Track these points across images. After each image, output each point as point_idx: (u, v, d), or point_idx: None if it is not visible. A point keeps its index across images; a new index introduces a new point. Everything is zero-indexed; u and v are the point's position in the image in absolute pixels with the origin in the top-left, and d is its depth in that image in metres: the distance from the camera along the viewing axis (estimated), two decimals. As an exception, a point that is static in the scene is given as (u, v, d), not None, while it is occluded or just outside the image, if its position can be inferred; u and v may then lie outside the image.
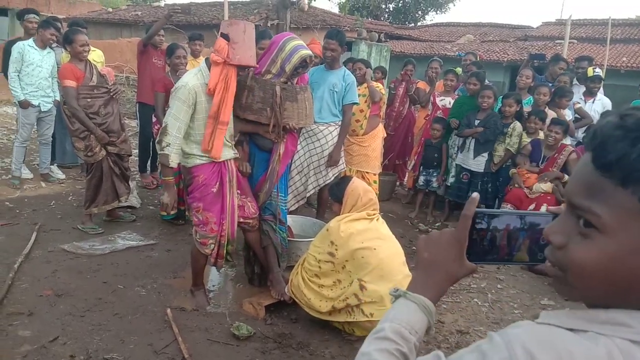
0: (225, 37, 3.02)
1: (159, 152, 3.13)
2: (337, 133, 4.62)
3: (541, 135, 5.21)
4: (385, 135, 5.58)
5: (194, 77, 3.10)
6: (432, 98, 6.30)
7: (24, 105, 5.55)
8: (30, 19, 5.85)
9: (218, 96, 3.05)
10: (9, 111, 9.97)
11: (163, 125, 3.10)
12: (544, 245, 0.81)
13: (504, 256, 0.83)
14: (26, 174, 5.97)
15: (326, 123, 4.57)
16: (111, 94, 4.56)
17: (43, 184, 5.87)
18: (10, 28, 16.71)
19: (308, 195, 4.78)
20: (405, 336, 0.83)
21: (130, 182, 4.99)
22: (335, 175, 4.73)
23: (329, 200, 4.98)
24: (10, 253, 3.92)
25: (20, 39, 5.90)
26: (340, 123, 4.63)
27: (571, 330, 0.63)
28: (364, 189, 3.27)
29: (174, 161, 3.09)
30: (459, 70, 6.60)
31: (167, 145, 3.05)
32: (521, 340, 0.62)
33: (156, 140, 3.19)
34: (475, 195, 0.83)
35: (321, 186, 4.71)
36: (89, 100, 4.42)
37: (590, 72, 6.10)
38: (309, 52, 3.27)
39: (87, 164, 4.70)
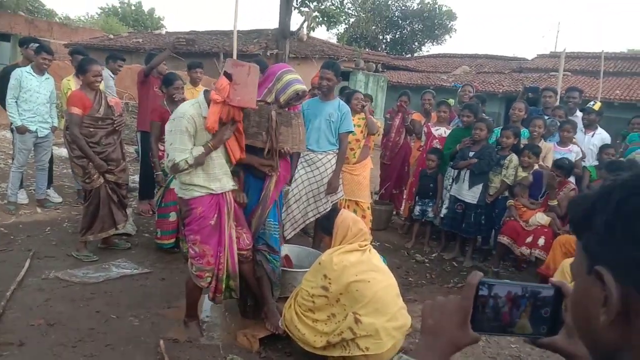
0: (228, 76, 3.02)
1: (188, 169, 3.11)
2: (335, 161, 4.72)
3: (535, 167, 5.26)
4: (372, 166, 5.67)
5: (191, 107, 3.12)
6: (426, 128, 6.36)
7: (21, 130, 5.57)
8: (33, 47, 5.92)
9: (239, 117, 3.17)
10: (7, 135, 9.98)
11: (170, 164, 3.06)
12: (546, 317, 0.84)
13: (506, 324, 0.84)
14: (22, 199, 5.95)
15: (324, 152, 4.68)
16: (114, 125, 4.60)
17: (39, 210, 5.85)
18: (12, 53, 16.88)
19: (308, 222, 4.81)
20: None
21: (127, 209, 4.99)
22: (333, 203, 4.79)
23: None
24: (3, 280, 3.88)
25: (18, 65, 5.97)
26: (337, 151, 4.74)
27: None
28: (353, 220, 3.28)
29: (199, 150, 3.07)
30: (451, 101, 6.69)
31: (187, 163, 3.03)
32: None
33: (170, 175, 3.17)
34: (480, 272, 0.85)
35: (321, 213, 4.73)
36: (91, 130, 4.46)
37: (597, 106, 6.19)
38: (303, 87, 3.35)
39: (84, 191, 4.70)
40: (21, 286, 3.86)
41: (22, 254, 4.50)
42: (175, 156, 3.03)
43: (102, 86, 4.94)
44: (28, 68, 5.68)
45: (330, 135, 4.68)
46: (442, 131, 6.20)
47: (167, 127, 3.16)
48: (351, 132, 4.86)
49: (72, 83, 5.90)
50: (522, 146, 5.46)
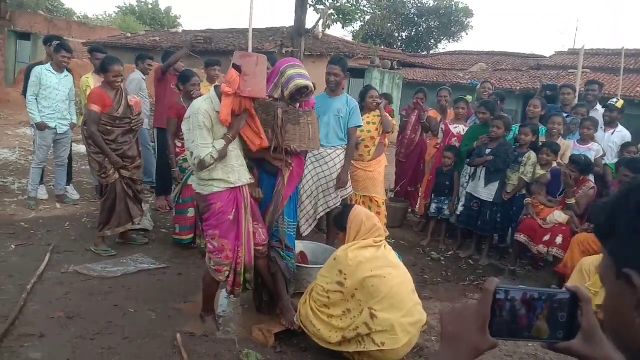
0: (237, 68, 3.05)
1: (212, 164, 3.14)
2: (344, 156, 4.75)
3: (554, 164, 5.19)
4: (387, 163, 5.65)
5: (204, 102, 3.15)
6: (444, 126, 6.32)
7: (40, 127, 5.66)
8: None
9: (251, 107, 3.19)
10: (28, 132, 10.16)
11: (196, 161, 3.06)
12: (563, 322, 0.85)
13: (523, 328, 0.85)
14: (42, 194, 6.05)
15: (333, 147, 4.71)
16: (132, 125, 4.66)
17: (58, 206, 5.94)
18: (32, 52, 17.12)
19: (318, 217, 4.82)
20: None
21: (143, 205, 5.04)
22: (343, 198, 4.83)
23: None
24: (24, 274, 3.95)
25: (41, 63, 6.07)
26: (346, 146, 4.78)
27: None
28: (366, 215, 3.28)
29: (220, 144, 3.11)
30: (469, 98, 6.63)
31: (212, 158, 3.06)
32: None
33: (198, 171, 3.18)
34: (496, 279, 0.86)
35: (331, 208, 4.79)
36: (109, 128, 4.52)
37: (620, 104, 6.10)
38: (305, 82, 3.30)
39: (101, 186, 4.77)
40: (41, 280, 3.93)
41: (42, 248, 4.58)
42: (199, 152, 3.04)
43: (127, 87, 5.09)
44: (48, 66, 5.77)
45: (339, 131, 4.71)
46: (461, 129, 6.16)
47: (183, 126, 3.19)
48: (360, 126, 4.90)
49: (90, 81, 5.97)
50: (540, 144, 5.40)
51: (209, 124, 3.08)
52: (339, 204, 4.76)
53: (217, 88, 3.21)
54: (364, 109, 5.42)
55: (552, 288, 0.88)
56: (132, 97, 4.77)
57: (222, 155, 3.11)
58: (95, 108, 4.42)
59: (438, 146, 6.37)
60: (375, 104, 5.41)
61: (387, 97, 6.94)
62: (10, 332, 3.10)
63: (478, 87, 7.04)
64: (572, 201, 4.86)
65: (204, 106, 3.10)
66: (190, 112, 3.14)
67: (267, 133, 3.32)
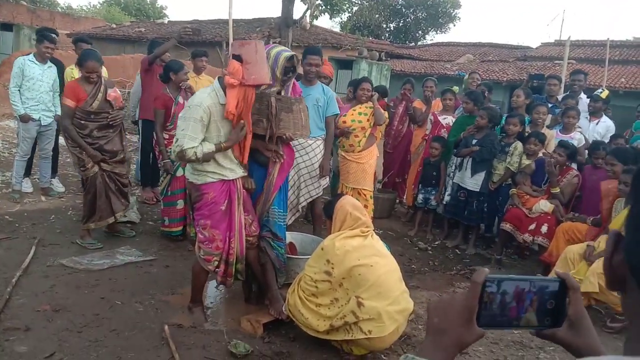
0: (238, 58, 3.03)
1: (194, 162, 3.14)
2: (323, 146, 4.76)
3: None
4: (379, 154, 5.63)
5: (207, 96, 3.09)
6: (433, 117, 6.34)
7: (24, 119, 5.58)
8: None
9: (247, 116, 3.17)
10: (12, 125, 10.01)
11: (178, 149, 3.04)
12: (550, 309, 0.84)
13: (512, 319, 0.84)
14: (27, 187, 5.98)
15: (314, 137, 4.63)
16: (108, 120, 4.52)
17: (43, 198, 5.87)
18: (14, 43, 16.84)
19: (301, 207, 4.83)
20: None
21: (130, 197, 5.00)
22: (324, 187, 4.88)
23: (321, 215, 5.05)
24: (9, 267, 3.91)
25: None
26: (325, 136, 4.79)
27: None
28: (352, 206, 3.29)
29: (210, 147, 3.09)
30: (456, 89, 6.65)
31: (196, 155, 3.03)
32: None
33: (175, 161, 3.20)
34: (486, 269, 0.84)
35: (313, 197, 4.81)
36: (82, 122, 4.43)
37: (605, 94, 6.17)
38: (290, 52, 3.40)
39: (82, 179, 4.73)
40: (26, 273, 3.89)
41: (27, 241, 4.52)
42: (184, 143, 3.01)
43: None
44: (31, 56, 5.68)
45: (319, 120, 4.70)
46: (450, 120, 6.19)
47: (181, 113, 3.17)
48: (337, 114, 4.89)
49: (75, 72, 5.88)
50: (526, 134, 5.45)
51: (206, 120, 3.05)
52: (321, 193, 4.83)
53: (220, 80, 3.18)
54: (356, 99, 5.43)
55: (539, 276, 0.89)
56: (112, 91, 4.61)
57: (206, 159, 3.09)
58: (69, 102, 4.36)
59: (426, 137, 6.38)
60: (365, 96, 5.36)
61: (382, 91, 6.79)
62: (-5, 325, 3.07)
63: (466, 77, 7.05)
64: (557, 190, 4.92)
65: (207, 101, 3.06)
66: (192, 102, 3.10)
67: (261, 122, 3.32)
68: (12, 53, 15.59)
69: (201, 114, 3.02)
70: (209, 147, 3.07)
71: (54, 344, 2.96)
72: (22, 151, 5.73)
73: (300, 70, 3.98)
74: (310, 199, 4.82)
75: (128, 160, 4.77)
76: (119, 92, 4.71)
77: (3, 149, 8.28)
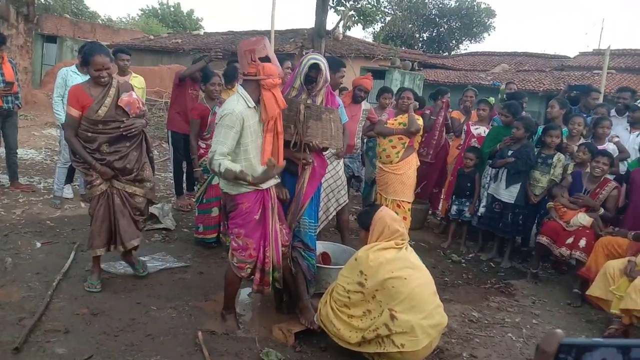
0: (266, 59, 3.14)
1: (219, 175, 3.14)
2: (341, 160, 4.77)
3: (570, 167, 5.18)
4: (419, 164, 5.48)
5: (237, 103, 3.13)
6: (466, 127, 6.27)
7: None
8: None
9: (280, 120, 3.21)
10: (54, 133, 10.38)
11: (211, 155, 3.08)
12: None
13: None
14: (68, 194, 6.17)
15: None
16: (122, 131, 3.69)
17: (82, 205, 6.04)
18: (58, 54, 17.49)
19: (330, 217, 4.83)
20: None
21: (165, 205, 5.07)
22: (346, 202, 4.87)
23: (348, 223, 5.03)
24: (50, 271, 4.04)
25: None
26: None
27: None
28: (391, 218, 3.27)
29: (235, 167, 3.05)
30: (491, 100, 6.56)
31: (220, 167, 3.02)
32: None
33: (210, 168, 3.19)
34: (559, 332, 0.66)
35: (342, 205, 4.81)
36: (89, 134, 3.64)
37: None
38: (315, 60, 3.37)
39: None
40: (66, 277, 4.00)
41: (67, 246, 4.67)
42: (216, 149, 3.06)
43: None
44: (73, 67, 5.89)
45: None
46: (482, 130, 6.10)
47: (217, 120, 3.21)
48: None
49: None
50: (564, 144, 5.35)
51: (238, 127, 3.07)
52: (347, 201, 4.84)
53: (243, 85, 3.23)
54: (396, 108, 5.43)
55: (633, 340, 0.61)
56: (126, 96, 3.72)
57: (227, 176, 3.04)
58: (72, 111, 3.60)
59: (460, 147, 6.31)
60: (405, 104, 5.33)
61: (421, 101, 6.51)
62: (37, 327, 3.17)
63: (502, 87, 6.96)
64: (600, 211, 4.79)
65: (238, 108, 3.10)
66: (224, 110, 3.13)
67: (289, 129, 3.34)
68: (55, 64, 16.21)
69: (233, 121, 3.06)
70: (235, 166, 3.03)
71: (92, 346, 3.04)
72: (64, 158, 5.92)
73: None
74: (339, 207, 4.81)
75: (148, 180, 3.92)
76: (135, 95, 3.81)
77: (45, 156, 8.58)
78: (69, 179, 6.16)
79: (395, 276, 2.98)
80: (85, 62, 3.66)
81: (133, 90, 3.85)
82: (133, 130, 3.73)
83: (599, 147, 5.27)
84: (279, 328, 3.40)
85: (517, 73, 19.26)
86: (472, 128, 6.18)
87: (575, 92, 6.75)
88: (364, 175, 6.53)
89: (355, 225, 3.56)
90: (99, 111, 3.59)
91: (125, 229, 3.81)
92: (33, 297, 3.60)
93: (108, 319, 3.39)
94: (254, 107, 3.17)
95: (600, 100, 6.71)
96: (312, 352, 3.26)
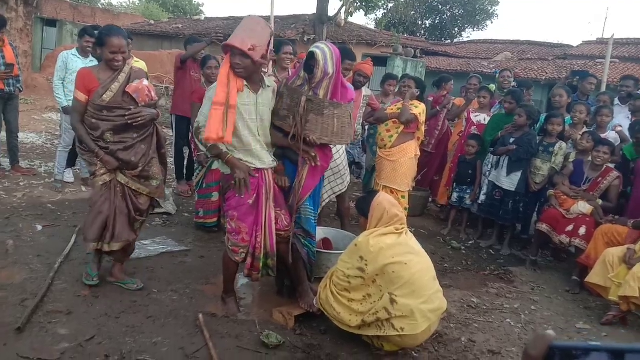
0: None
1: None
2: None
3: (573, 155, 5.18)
4: (419, 154, 5.30)
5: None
6: (466, 114, 6.25)
7: (67, 111, 5.75)
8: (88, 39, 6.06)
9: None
10: (54, 117, 10.36)
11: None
12: None
13: None
14: (69, 177, 6.18)
15: None
16: (127, 119, 3.41)
17: (83, 189, 6.06)
18: (58, 38, 17.39)
19: (324, 203, 4.74)
20: None
21: (165, 190, 5.01)
22: (348, 184, 4.79)
23: (349, 210, 5.01)
24: (51, 254, 4.06)
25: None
26: None
27: None
28: (389, 203, 3.26)
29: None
30: (492, 87, 6.52)
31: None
32: None
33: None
34: (550, 333, 0.60)
35: (337, 194, 4.75)
36: (93, 121, 3.39)
37: None
38: (312, 49, 3.29)
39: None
40: (68, 259, 4.02)
41: (68, 229, 4.68)
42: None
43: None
44: (74, 51, 5.87)
45: None
46: (482, 118, 6.09)
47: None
48: None
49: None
50: (565, 133, 5.34)
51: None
52: (345, 189, 4.76)
53: None
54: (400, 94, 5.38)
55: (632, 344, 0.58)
56: (135, 83, 3.46)
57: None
58: (79, 95, 3.38)
59: (461, 133, 6.30)
60: (404, 92, 5.19)
61: (421, 87, 5.61)
62: (39, 308, 3.20)
63: (497, 76, 6.88)
64: (599, 202, 4.79)
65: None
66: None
67: (288, 119, 3.29)
68: (55, 48, 16.12)
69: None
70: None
71: (94, 328, 3.07)
72: (65, 142, 5.92)
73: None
74: (334, 195, 4.75)
75: (154, 177, 3.62)
76: (147, 83, 3.57)
77: (46, 140, 8.57)
78: (70, 162, 6.16)
79: (395, 261, 2.99)
80: (100, 42, 3.40)
81: (147, 78, 3.63)
82: (139, 119, 3.43)
83: (601, 136, 5.26)
84: (279, 311, 3.42)
85: (520, 61, 19.14)
86: (473, 115, 6.17)
87: (577, 77, 6.69)
88: (364, 162, 6.52)
89: (356, 212, 3.55)
90: (104, 96, 3.36)
91: (120, 228, 3.50)
92: (35, 279, 3.62)
93: (109, 301, 3.42)
94: (246, 85, 3.16)
95: (603, 89, 6.68)
96: (312, 335, 3.29)
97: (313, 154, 3.37)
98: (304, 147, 3.35)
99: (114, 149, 3.41)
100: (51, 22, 18.22)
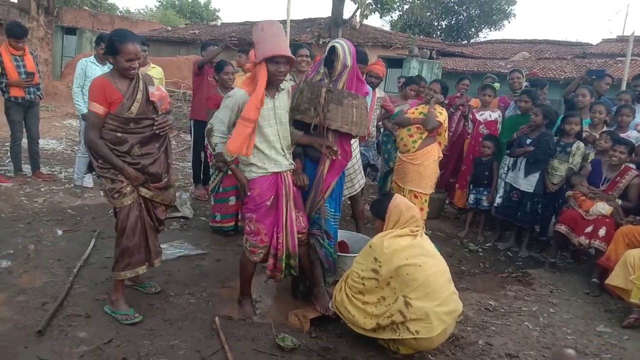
0: (251, 45, 3.25)
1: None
2: (357, 144, 4.67)
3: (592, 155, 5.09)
4: (442, 156, 5.24)
5: (242, 91, 3.24)
6: (471, 115, 6.22)
7: (86, 117, 5.86)
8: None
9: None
10: (74, 124, 10.54)
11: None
12: None
13: None
14: (88, 183, 6.28)
15: None
16: (155, 129, 3.24)
17: (102, 194, 6.13)
18: (78, 46, 17.69)
19: None
20: None
21: (182, 193, 5.11)
22: (361, 187, 4.80)
23: (363, 212, 5.00)
24: (71, 258, 4.14)
25: None
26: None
27: None
28: (406, 206, 3.25)
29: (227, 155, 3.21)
30: (497, 85, 6.43)
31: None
32: None
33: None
34: (571, 351, 0.56)
35: (351, 194, 4.75)
36: (119, 135, 3.14)
37: None
38: (334, 43, 3.44)
39: (114, 210, 3.44)
40: (87, 263, 4.09)
41: (87, 234, 4.76)
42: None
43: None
44: (92, 58, 5.96)
45: None
46: (487, 115, 6.07)
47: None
48: None
49: (153, 71, 6.19)
50: (588, 138, 5.25)
51: (235, 109, 3.18)
52: (357, 191, 4.76)
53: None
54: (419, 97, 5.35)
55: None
56: (155, 89, 3.29)
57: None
58: (96, 108, 3.06)
59: (468, 136, 6.27)
60: (429, 96, 5.09)
61: (445, 91, 5.30)
62: (59, 311, 3.26)
63: (507, 77, 6.73)
64: (618, 202, 4.71)
65: (240, 92, 3.22)
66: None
67: (309, 111, 3.37)
68: (75, 56, 16.42)
69: (233, 103, 3.17)
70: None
71: (112, 331, 3.11)
72: (84, 148, 5.99)
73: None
74: (349, 195, 4.75)
75: (172, 186, 3.53)
76: (163, 89, 3.45)
77: (66, 146, 8.73)
78: (90, 168, 6.24)
79: (410, 263, 2.98)
80: (113, 50, 3.09)
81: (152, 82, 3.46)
82: (166, 128, 3.30)
83: (621, 135, 5.17)
84: (294, 314, 3.43)
85: (538, 61, 18.94)
86: (477, 114, 6.14)
87: (593, 77, 6.54)
88: (379, 163, 6.50)
89: (370, 214, 3.54)
90: (132, 108, 3.13)
91: (155, 242, 3.43)
92: (55, 282, 3.69)
93: (127, 304, 3.45)
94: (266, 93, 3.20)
95: (624, 87, 6.55)
96: (328, 338, 3.29)
97: (335, 149, 3.42)
98: (327, 141, 3.40)
99: (145, 163, 3.21)
100: (71, 31, 18.55)
